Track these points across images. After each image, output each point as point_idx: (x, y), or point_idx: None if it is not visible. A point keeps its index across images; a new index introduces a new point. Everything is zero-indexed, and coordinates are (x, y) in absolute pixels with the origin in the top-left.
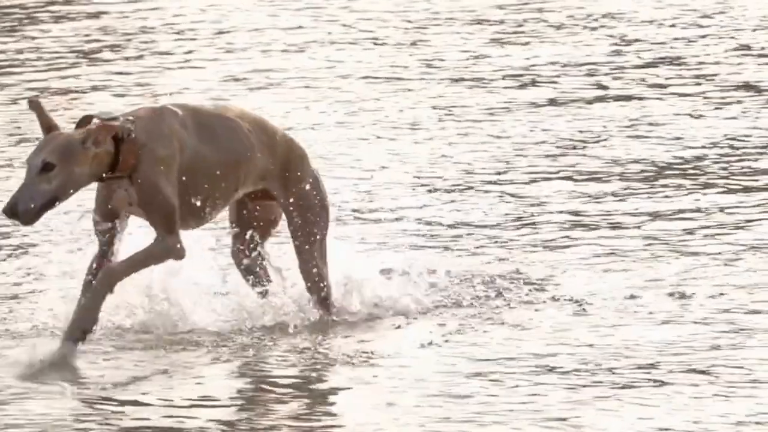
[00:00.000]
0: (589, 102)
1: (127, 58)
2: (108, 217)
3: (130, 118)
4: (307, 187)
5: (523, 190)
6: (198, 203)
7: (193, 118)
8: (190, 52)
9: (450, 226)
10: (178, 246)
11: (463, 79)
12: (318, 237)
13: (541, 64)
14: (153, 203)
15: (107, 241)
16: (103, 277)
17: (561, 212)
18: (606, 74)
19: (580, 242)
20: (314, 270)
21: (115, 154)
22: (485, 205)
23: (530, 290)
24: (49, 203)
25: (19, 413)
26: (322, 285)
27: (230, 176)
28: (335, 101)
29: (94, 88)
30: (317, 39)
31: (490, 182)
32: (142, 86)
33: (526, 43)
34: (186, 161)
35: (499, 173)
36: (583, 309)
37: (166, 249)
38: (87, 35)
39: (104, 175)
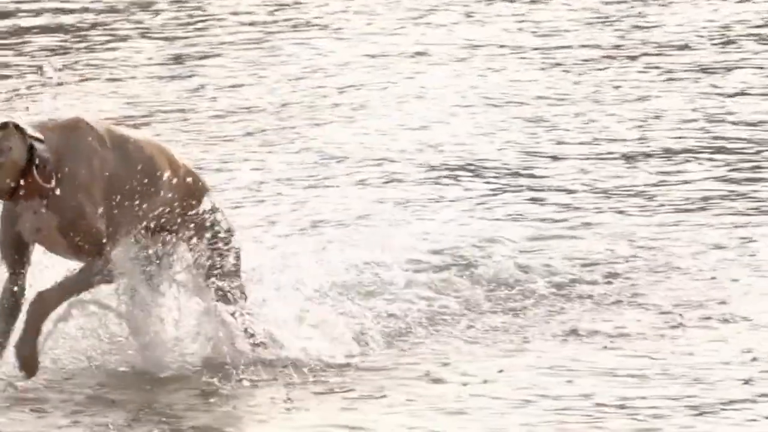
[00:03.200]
0: (729, 69)
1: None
2: (13, 245)
3: (38, 136)
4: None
5: (661, 162)
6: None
7: (109, 135)
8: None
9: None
10: (107, 270)
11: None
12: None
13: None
14: (76, 229)
15: (16, 271)
16: (35, 307)
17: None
18: (744, 38)
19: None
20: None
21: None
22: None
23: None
24: None
25: None
26: None
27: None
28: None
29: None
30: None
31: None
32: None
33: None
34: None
35: (641, 141)
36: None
37: (94, 274)
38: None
39: (8, 185)
